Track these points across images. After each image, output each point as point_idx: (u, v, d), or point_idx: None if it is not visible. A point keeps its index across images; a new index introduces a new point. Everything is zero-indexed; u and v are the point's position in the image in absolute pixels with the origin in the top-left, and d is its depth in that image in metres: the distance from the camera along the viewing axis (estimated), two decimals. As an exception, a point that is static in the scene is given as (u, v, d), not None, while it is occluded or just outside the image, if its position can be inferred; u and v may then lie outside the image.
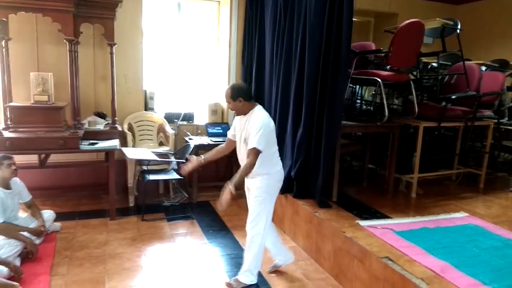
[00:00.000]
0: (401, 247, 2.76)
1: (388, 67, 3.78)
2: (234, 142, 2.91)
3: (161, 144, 4.93)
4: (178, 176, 4.31)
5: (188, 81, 5.47)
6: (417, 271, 2.43)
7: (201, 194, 4.74)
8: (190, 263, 3.26)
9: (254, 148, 2.58)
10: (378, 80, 3.64)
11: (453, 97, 3.86)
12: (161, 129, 4.96)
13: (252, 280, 2.90)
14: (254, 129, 2.60)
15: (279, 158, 2.91)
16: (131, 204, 4.43)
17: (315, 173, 3.53)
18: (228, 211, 4.40)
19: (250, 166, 2.62)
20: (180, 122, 4.94)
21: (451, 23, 3.84)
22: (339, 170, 3.67)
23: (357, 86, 4.65)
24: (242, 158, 2.81)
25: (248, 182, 2.90)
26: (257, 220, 2.83)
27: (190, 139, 4.80)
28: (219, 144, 4.71)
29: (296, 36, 3.65)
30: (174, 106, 5.28)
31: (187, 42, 5.36)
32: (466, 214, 3.48)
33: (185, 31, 5.32)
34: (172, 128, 4.82)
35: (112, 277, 2.96)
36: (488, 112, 4.33)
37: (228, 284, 2.92)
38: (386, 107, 3.67)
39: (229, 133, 2.98)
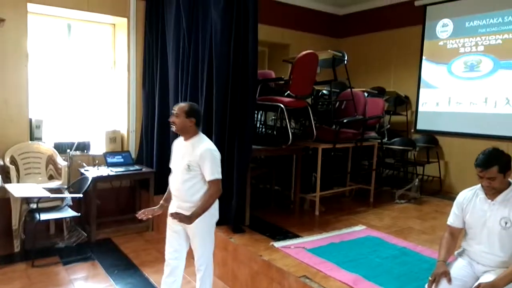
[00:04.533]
0: (315, 264, 2.89)
1: (286, 94, 4.05)
2: None
3: (51, 177, 4.40)
4: (74, 213, 3.88)
5: (81, 108, 5.05)
6: (333, 286, 2.57)
7: (100, 231, 4.33)
8: (96, 310, 2.93)
9: (216, 179, 2.47)
10: (281, 106, 3.84)
11: (345, 121, 4.28)
12: (50, 161, 4.44)
13: None
14: (209, 159, 2.47)
15: None
16: (17, 250, 3.82)
17: (228, 199, 3.52)
18: (134, 247, 4.12)
19: (214, 197, 2.51)
20: (73, 152, 4.49)
21: (340, 54, 4.29)
22: (250, 194, 3.73)
23: (259, 112, 4.84)
24: (178, 188, 2.58)
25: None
26: (206, 254, 2.65)
27: (86, 170, 4.39)
28: (120, 175, 4.48)
29: (202, 63, 3.67)
30: (65, 135, 4.81)
31: (80, 66, 4.98)
32: (364, 227, 3.82)
33: (77, 55, 4.94)
34: (64, 159, 4.36)
35: None
36: (373, 133, 4.89)
37: None
38: (290, 131, 3.88)
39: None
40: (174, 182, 2.62)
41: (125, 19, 4.89)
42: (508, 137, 4.90)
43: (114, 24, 5.13)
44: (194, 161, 2.49)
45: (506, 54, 5.03)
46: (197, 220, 2.48)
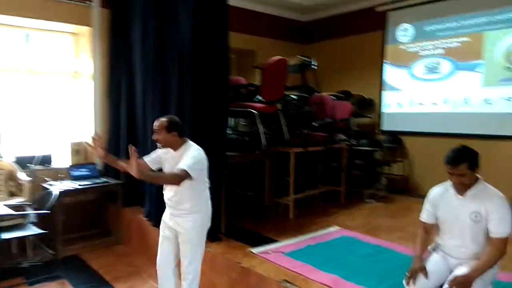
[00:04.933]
0: (294, 268, 2.90)
1: (257, 99, 4.05)
2: (146, 165, 2.65)
3: (12, 194, 4.15)
4: (39, 231, 3.67)
5: (42, 120, 4.81)
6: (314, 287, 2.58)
7: (67, 248, 4.12)
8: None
9: (184, 170, 2.39)
10: (254, 112, 3.84)
11: (316, 124, 4.34)
12: (11, 176, 4.19)
13: None
14: (189, 155, 2.47)
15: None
16: (-25, 272, 3.57)
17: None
18: (104, 262, 3.96)
19: (171, 179, 2.48)
20: (35, 167, 4.27)
21: (309, 60, 4.37)
22: (225, 201, 3.68)
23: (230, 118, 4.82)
24: (170, 197, 2.61)
25: (175, 222, 2.63)
26: (195, 262, 2.64)
27: (50, 185, 4.18)
28: (86, 188, 4.30)
29: (172, 70, 3.59)
30: (26, 149, 4.56)
31: (39, 77, 4.76)
32: (338, 228, 3.88)
33: (36, 65, 4.72)
34: (27, 175, 4.13)
35: None
36: (341, 136, 4.99)
37: None
38: (263, 136, 3.88)
39: (148, 158, 2.70)
40: (167, 191, 2.65)
41: (87, 28, 4.73)
42: (466, 135, 5.14)
43: (76, 33, 4.95)
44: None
45: (464, 56, 5.29)
46: (190, 218, 2.57)
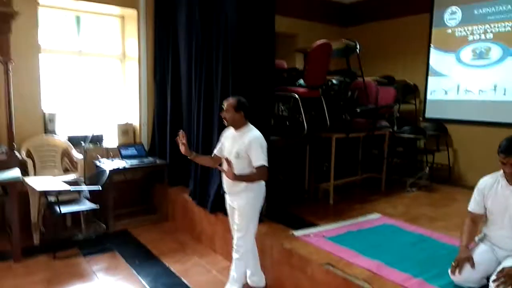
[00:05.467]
0: (336, 252, 2.94)
1: (297, 83, 4.05)
2: (220, 158, 2.94)
3: (66, 170, 4.44)
4: (93, 206, 3.92)
5: (93, 101, 5.06)
6: (357, 272, 2.62)
7: (117, 222, 4.38)
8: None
9: (263, 166, 2.68)
10: (296, 96, 3.86)
11: (358, 110, 4.30)
12: (65, 154, 4.47)
13: None
14: (255, 146, 2.68)
15: None
16: (37, 242, 3.86)
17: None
18: (152, 237, 4.17)
19: (256, 179, 2.75)
20: (87, 145, 4.52)
21: (353, 43, 4.29)
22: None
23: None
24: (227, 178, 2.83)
25: (233, 199, 2.90)
26: (246, 238, 2.87)
27: (101, 163, 4.42)
28: (136, 168, 4.51)
29: (217, 56, 3.64)
30: (78, 128, 4.83)
31: (90, 59, 4.97)
32: (379, 215, 3.87)
33: (87, 47, 4.93)
34: (79, 152, 4.39)
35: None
36: (384, 122, 4.92)
37: None
38: (305, 121, 3.90)
39: (216, 150, 3.01)
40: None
41: (135, 10, 4.87)
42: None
43: (123, 16, 5.11)
44: (243, 149, 2.72)
45: (517, 42, 5.03)
46: (244, 196, 2.78)
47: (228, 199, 2.98)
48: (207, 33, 3.82)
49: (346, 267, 2.71)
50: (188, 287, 3.19)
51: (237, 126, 2.81)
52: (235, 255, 2.88)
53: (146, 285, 3.19)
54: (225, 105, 2.80)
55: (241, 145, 2.74)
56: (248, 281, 3.08)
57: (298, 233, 3.29)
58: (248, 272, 3.06)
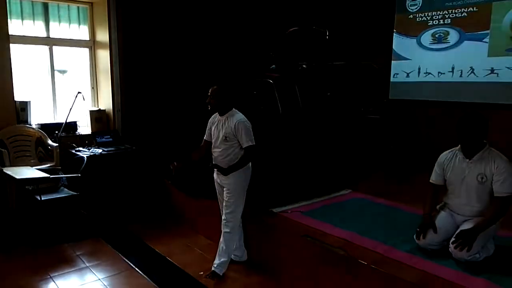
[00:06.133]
0: (313, 225, 3.18)
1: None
2: (210, 143, 3.13)
3: (41, 160, 4.41)
4: (72, 193, 3.95)
5: (64, 89, 4.99)
6: (333, 242, 2.86)
7: (99, 209, 4.41)
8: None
9: (252, 145, 2.91)
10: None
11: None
12: (39, 143, 4.43)
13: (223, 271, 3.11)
14: (242, 129, 2.88)
15: None
16: (16, 231, 3.86)
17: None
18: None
19: (246, 162, 2.99)
20: (61, 134, 4.49)
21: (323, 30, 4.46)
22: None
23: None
24: (220, 154, 3.03)
25: (222, 178, 3.07)
26: (235, 213, 3.06)
27: (78, 150, 4.42)
28: (112, 153, 4.52)
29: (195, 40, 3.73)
30: (51, 117, 4.78)
31: (59, 46, 4.89)
32: (350, 190, 4.15)
33: (56, 34, 4.84)
34: (53, 141, 4.36)
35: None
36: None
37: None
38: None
39: (206, 136, 3.19)
40: (215, 152, 3.05)
41: (105, -3, 4.80)
42: (473, 103, 5.31)
43: (91, 2, 5.03)
44: (230, 132, 2.92)
45: (472, 27, 5.39)
46: (232, 179, 2.98)
47: (217, 177, 3.14)
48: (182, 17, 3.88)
49: (323, 237, 2.95)
50: (174, 265, 3.33)
51: (221, 112, 3.00)
52: (224, 229, 3.07)
53: (133, 266, 3.30)
54: (210, 92, 2.97)
55: (227, 129, 2.94)
56: (232, 256, 3.25)
57: (277, 209, 3.50)
58: None
